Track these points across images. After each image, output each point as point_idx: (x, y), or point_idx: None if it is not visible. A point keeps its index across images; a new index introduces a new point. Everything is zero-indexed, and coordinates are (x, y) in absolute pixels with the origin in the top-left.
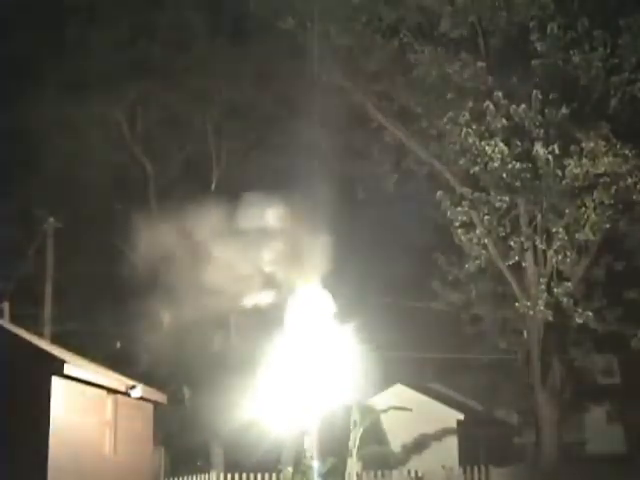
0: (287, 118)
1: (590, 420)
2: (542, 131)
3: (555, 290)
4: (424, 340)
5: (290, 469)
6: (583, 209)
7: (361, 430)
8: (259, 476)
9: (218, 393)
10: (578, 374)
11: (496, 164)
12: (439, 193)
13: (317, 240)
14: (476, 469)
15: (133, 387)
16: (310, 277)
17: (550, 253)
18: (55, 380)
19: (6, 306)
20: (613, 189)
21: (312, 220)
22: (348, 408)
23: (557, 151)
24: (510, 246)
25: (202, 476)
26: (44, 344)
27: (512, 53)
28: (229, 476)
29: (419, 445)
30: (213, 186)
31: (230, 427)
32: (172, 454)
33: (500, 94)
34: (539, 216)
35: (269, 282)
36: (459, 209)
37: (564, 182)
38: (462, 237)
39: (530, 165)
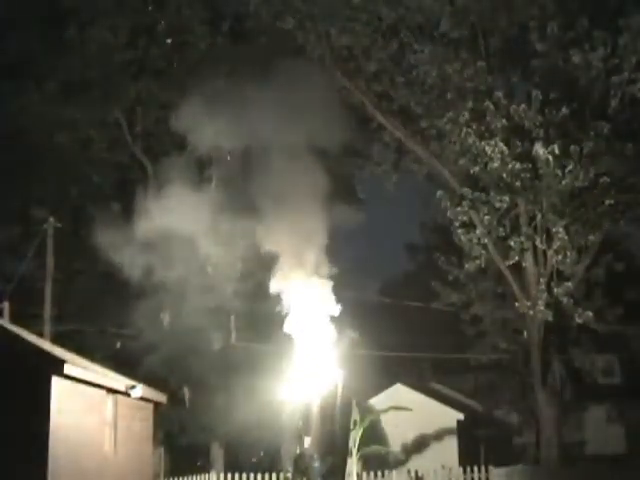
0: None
1: (590, 420)
2: (542, 131)
3: (555, 290)
4: (424, 340)
5: (290, 469)
6: (583, 209)
7: (361, 430)
8: (259, 476)
9: (218, 393)
10: (578, 374)
11: (496, 164)
12: (439, 193)
13: (317, 240)
14: (476, 469)
15: (133, 387)
16: (310, 277)
17: (550, 253)
18: (55, 380)
19: (6, 306)
20: (613, 189)
21: (311, 219)
22: (348, 408)
23: (557, 151)
24: (510, 246)
25: (202, 476)
26: (44, 344)
27: (512, 53)
28: (229, 476)
29: (419, 445)
30: (213, 184)
31: (230, 427)
32: (172, 454)
33: (500, 94)
34: (539, 216)
35: (268, 282)
36: (459, 209)
37: (564, 182)
38: (462, 237)
39: (530, 165)
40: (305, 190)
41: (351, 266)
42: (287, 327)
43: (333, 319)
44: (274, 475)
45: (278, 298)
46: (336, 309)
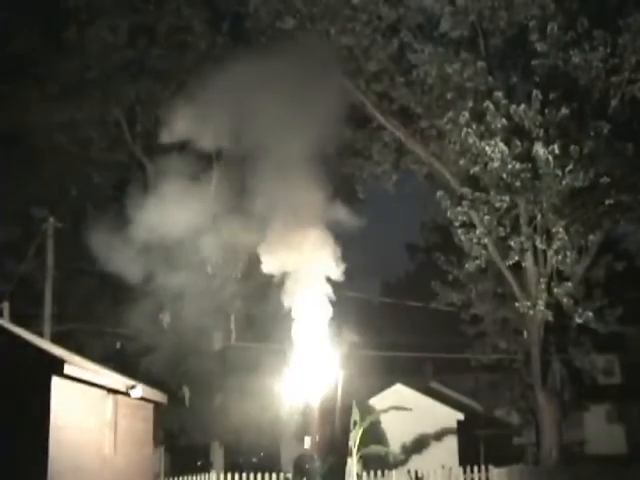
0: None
1: (590, 420)
2: (542, 131)
3: (555, 290)
4: (424, 340)
5: (290, 469)
6: (583, 209)
7: (361, 430)
8: (259, 476)
9: (218, 393)
10: (578, 374)
11: (496, 164)
12: (439, 193)
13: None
14: (476, 469)
15: (133, 387)
16: (311, 279)
17: (550, 253)
18: (55, 380)
19: (6, 306)
20: (613, 189)
21: (312, 219)
22: (348, 408)
23: (557, 151)
24: (510, 246)
25: (202, 476)
26: (44, 344)
27: (512, 53)
28: (229, 476)
29: (419, 445)
30: (213, 185)
31: (230, 427)
32: (172, 454)
33: (500, 94)
34: (539, 216)
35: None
36: (459, 209)
37: (564, 182)
38: (462, 237)
39: (530, 165)
40: (305, 190)
41: (351, 266)
42: (285, 301)
43: (333, 319)
44: (274, 475)
45: (278, 298)
46: (331, 294)
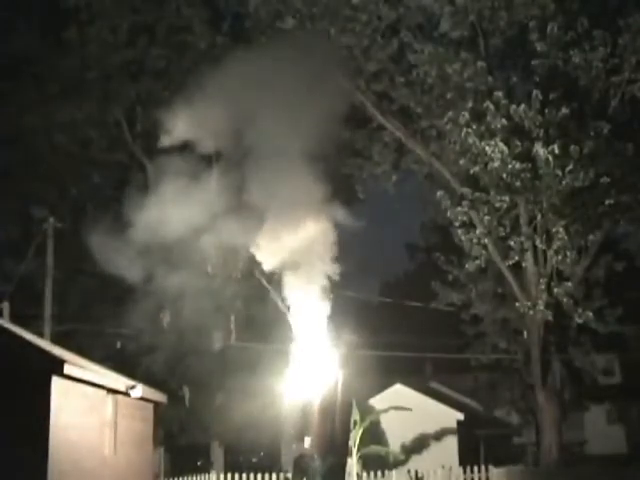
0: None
1: (590, 420)
2: (542, 131)
3: (555, 290)
4: (424, 340)
5: (290, 469)
6: (583, 209)
7: (361, 430)
8: (259, 476)
9: (218, 393)
10: (578, 374)
11: (496, 164)
12: (439, 193)
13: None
14: (476, 469)
15: (133, 387)
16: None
17: (550, 253)
18: (55, 380)
19: (6, 306)
20: (613, 189)
21: (311, 215)
22: (348, 408)
23: (557, 151)
24: (510, 246)
25: (202, 476)
26: (44, 344)
27: (512, 53)
28: (229, 476)
29: (419, 445)
30: (213, 184)
31: (230, 427)
32: (172, 454)
33: (500, 94)
34: (539, 216)
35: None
36: (459, 209)
37: (564, 182)
38: (462, 237)
39: (530, 165)
40: (304, 186)
41: (351, 266)
42: (285, 297)
43: (332, 318)
44: (274, 475)
45: (279, 297)
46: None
